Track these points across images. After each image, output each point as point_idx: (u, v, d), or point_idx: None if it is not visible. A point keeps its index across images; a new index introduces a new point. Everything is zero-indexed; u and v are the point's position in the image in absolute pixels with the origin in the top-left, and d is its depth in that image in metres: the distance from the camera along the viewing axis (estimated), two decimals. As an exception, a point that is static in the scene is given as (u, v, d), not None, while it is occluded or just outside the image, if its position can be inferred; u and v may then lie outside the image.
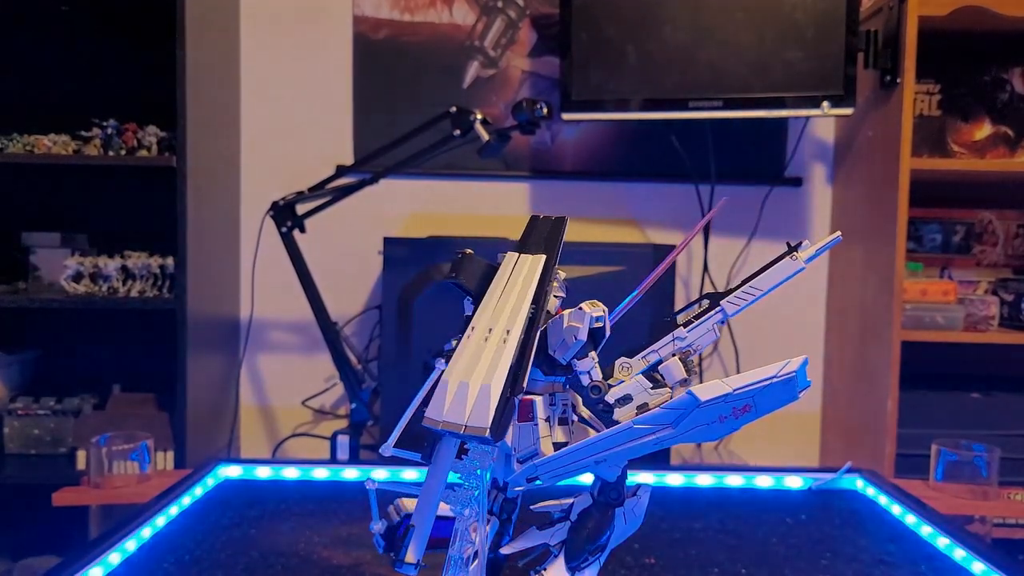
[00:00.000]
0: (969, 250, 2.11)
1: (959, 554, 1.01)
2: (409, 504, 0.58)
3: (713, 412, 0.47)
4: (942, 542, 1.05)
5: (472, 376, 0.48)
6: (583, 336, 0.55)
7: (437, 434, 0.50)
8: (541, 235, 0.54)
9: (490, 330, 0.50)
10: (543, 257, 0.52)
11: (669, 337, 0.57)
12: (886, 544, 1.06)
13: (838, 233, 0.58)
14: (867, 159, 2.00)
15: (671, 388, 0.55)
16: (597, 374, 0.56)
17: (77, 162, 1.91)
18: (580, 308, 0.55)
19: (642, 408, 0.55)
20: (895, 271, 1.77)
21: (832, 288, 2.21)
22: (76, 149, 1.92)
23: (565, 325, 0.55)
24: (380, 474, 1.26)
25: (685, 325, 0.58)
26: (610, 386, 0.55)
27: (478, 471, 0.53)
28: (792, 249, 0.57)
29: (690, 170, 2.13)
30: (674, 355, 0.56)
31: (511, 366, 0.48)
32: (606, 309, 0.57)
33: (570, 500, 0.61)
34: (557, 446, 0.55)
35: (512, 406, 0.49)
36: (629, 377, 0.56)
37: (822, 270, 2.23)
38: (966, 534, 1.05)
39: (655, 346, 0.57)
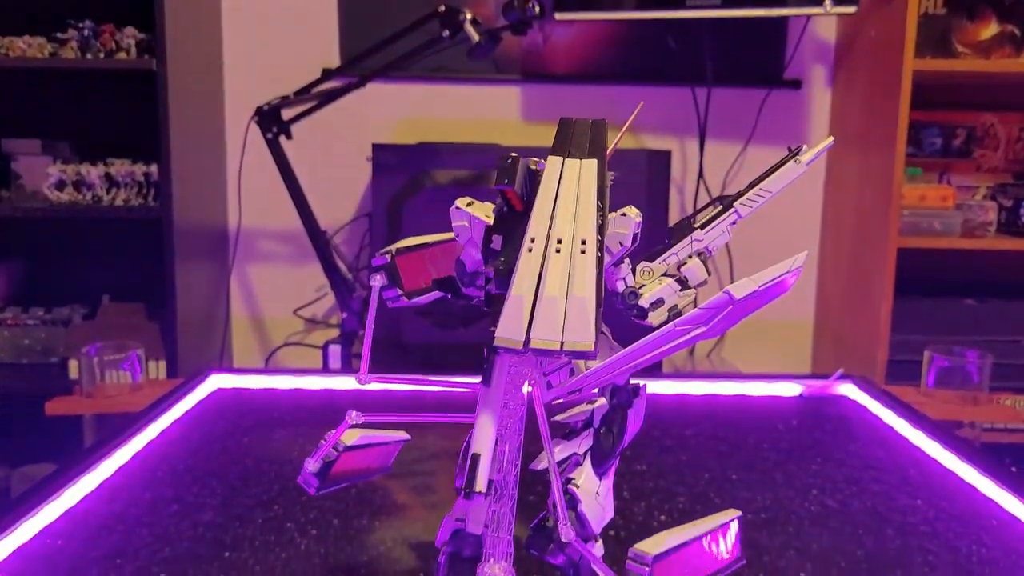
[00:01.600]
0: (969, 154, 2.08)
1: (947, 459, 1.01)
2: (345, 438, 0.56)
3: (741, 308, 0.47)
4: (931, 447, 1.05)
5: (557, 290, 0.45)
6: (628, 242, 0.53)
7: (498, 353, 0.48)
8: (582, 139, 0.51)
9: (559, 241, 0.47)
10: (594, 162, 0.50)
11: (687, 240, 0.57)
12: (876, 449, 1.07)
13: (831, 139, 0.58)
14: (869, 60, 1.95)
15: (695, 289, 0.56)
16: (631, 280, 0.56)
17: (53, 65, 1.85)
18: (624, 214, 0.54)
19: (672, 310, 0.54)
20: (894, 176, 1.75)
21: (828, 194, 2.19)
22: (52, 52, 1.86)
23: (609, 232, 0.53)
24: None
25: (702, 227, 0.57)
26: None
27: (525, 390, 0.51)
28: (794, 153, 0.57)
29: (686, 72, 2.07)
30: (691, 256, 0.56)
31: (596, 276, 0.46)
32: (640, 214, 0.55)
33: (590, 407, 0.60)
34: None
35: (601, 318, 0.47)
36: (651, 280, 0.56)
37: (818, 175, 2.20)
38: (954, 439, 1.06)
39: (674, 249, 0.57)
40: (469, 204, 0.53)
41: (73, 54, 1.84)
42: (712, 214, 0.57)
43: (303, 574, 0.72)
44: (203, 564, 0.73)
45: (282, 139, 1.77)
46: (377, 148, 1.81)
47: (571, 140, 0.50)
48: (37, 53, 1.85)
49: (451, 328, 1.77)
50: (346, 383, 1.30)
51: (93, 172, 1.89)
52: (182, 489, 0.90)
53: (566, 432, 0.60)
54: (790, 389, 1.29)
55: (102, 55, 1.84)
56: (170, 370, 1.86)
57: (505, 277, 0.47)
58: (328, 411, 1.17)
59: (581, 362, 0.55)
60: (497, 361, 0.51)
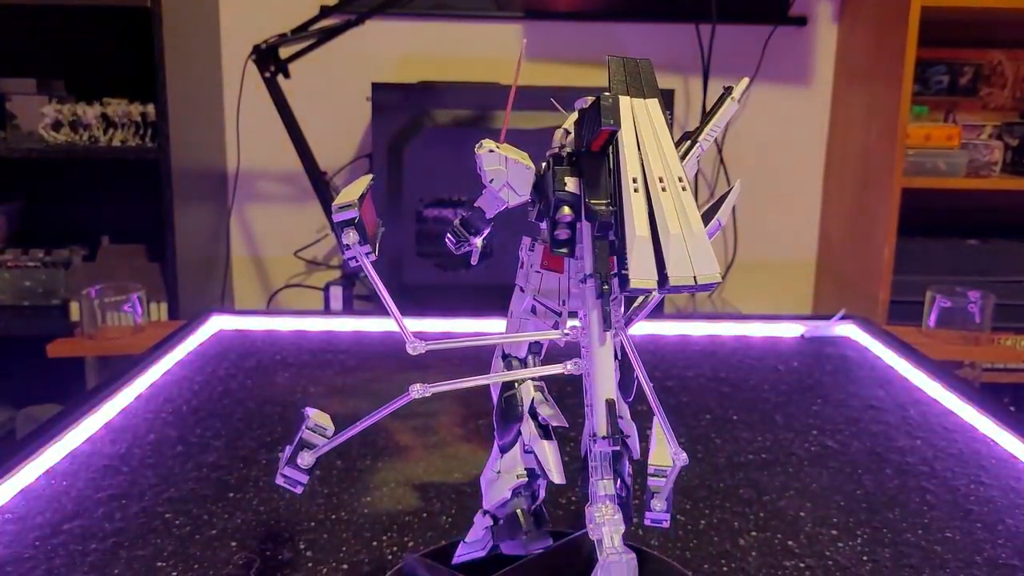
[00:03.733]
0: (976, 92, 2.04)
1: (947, 399, 1.02)
2: (323, 418, 0.55)
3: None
4: (931, 387, 1.06)
5: (678, 228, 0.46)
6: None
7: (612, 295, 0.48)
8: (636, 78, 0.51)
9: (660, 179, 0.48)
10: (655, 101, 0.50)
11: None
12: (876, 389, 1.07)
13: (747, 78, 0.61)
14: (877, -5, 1.91)
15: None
16: None
17: (46, 2, 1.82)
18: None
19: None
20: (899, 115, 1.72)
21: (833, 134, 2.16)
22: (43, -12, 1.82)
23: None
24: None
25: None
26: None
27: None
28: (728, 92, 0.58)
29: (690, 9, 2.03)
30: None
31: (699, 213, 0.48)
32: None
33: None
34: None
35: None
36: None
37: (822, 114, 2.17)
38: (954, 379, 1.06)
39: None
40: (498, 147, 0.53)
41: (65, -10, 1.81)
42: (683, 149, 0.58)
43: (307, 514, 0.73)
44: (207, 504, 0.74)
45: (280, 78, 1.74)
46: (377, 87, 1.79)
47: (628, 79, 0.50)
48: (28, -11, 1.82)
49: (453, 269, 1.77)
50: (347, 324, 1.30)
51: (89, 112, 1.86)
52: (186, 430, 0.90)
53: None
54: (791, 330, 1.30)
55: (94, -9, 1.81)
56: (171, 312, 1.86)
57: (608, 219, 0.48)
58: (330, 353, 1.18)
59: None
60: (611, 305, 0.51)
